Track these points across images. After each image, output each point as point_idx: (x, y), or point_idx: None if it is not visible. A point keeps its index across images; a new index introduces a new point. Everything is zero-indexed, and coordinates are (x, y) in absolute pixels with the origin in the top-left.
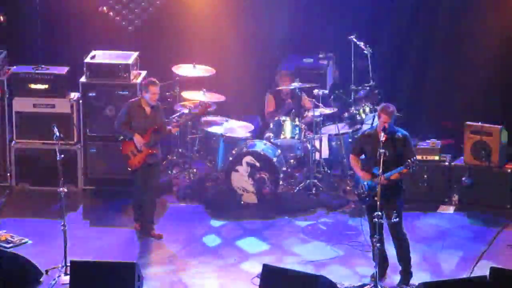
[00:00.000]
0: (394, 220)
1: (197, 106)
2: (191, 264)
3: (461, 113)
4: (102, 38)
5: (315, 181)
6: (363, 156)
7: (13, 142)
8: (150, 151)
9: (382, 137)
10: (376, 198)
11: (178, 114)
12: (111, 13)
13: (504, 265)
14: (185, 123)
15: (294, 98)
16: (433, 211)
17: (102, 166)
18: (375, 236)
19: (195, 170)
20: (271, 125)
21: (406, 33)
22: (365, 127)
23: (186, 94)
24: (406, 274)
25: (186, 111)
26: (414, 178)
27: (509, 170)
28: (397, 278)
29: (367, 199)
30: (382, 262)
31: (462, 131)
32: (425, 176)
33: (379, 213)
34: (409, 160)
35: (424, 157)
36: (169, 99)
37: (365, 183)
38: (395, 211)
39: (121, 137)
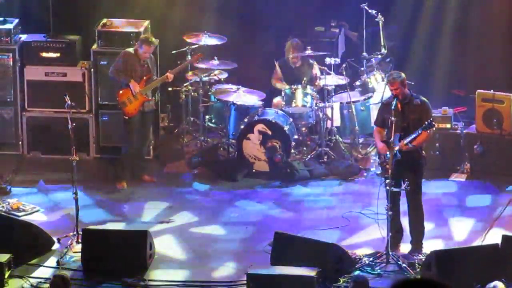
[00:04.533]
0: (407, 187)
1: (191, 54)
2: (203, 232)
3: (472, 81)
4: (113, 7)
5: (327, 149)
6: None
7: (25, 110)
8: (146, 98)
9: (393, 105)
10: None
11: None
12: None
13: None
14: (180, 71)
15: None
16: (445, 179)
17: (113, 135)
18: (387, 204)
19: (206, 138)
20: (282, 93)
21: (418, 1)
22: (376, 95)
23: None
24: (418, 244)
25: (197, 79)
26: (426, 146)
27: None
28: (408, 247)
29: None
30: (394, 231)
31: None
32: (437, 144)
33: (392, 181)
34: (426, 122)
35: (436, 125)
36: None
37: (387, 154)
38: (415, 181)
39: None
